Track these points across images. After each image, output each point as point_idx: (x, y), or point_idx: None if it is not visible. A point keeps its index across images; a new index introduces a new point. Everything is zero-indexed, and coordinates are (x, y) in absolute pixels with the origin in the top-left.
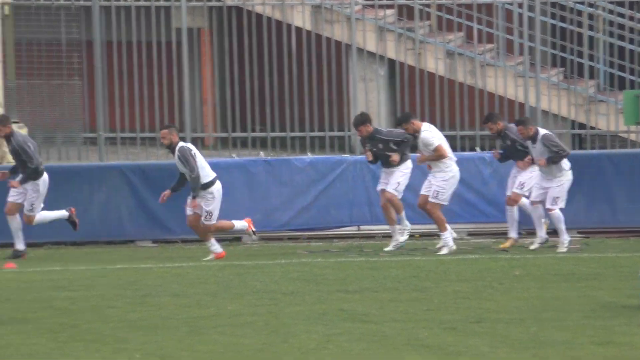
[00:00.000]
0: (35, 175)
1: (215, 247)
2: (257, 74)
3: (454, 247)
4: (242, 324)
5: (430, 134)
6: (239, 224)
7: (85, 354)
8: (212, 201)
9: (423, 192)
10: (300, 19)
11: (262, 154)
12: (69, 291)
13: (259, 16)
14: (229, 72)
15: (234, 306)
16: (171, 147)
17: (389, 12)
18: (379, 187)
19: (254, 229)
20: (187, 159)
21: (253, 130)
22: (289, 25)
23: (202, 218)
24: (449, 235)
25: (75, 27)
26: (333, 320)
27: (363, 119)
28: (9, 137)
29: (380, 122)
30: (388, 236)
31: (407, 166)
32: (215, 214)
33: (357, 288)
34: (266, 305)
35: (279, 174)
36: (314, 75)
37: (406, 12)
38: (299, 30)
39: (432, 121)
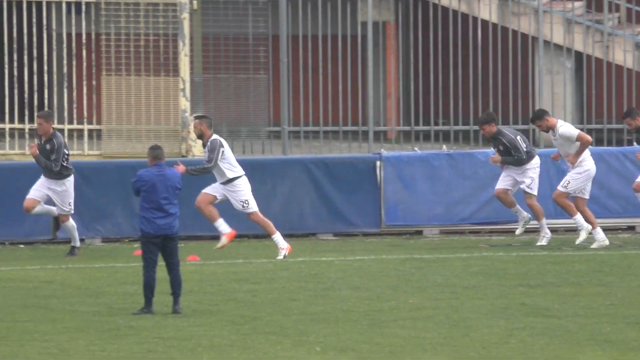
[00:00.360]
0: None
1: (223, 226)
2: (441, 67)
3: (590, 228)
4: (422, 317)
5: (568, 127)
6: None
7: (267, 347)
8: (241, 191)
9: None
10: (487, 11)
11: (444, 147)
12: (251, 284)
13: (445, 9)
14: (413, 66)
15: (415, 299)
16: (202, 138)
17: (577, 4)
18: (499, 186)
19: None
20: (213, 150)
21: (436, 124)
22: (474, 19)
23: (241, 208)
24: (580, 218)
25: (262, 22)
26: (515, 315)
27: (488, 119)
28: (48, 135)
29: (566, 115)
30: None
31: (535, 163)
32: (252, 201)
33: (539, 282)
34: (447, 299)
35: (462, 167)
36: (499, 68)
37: (595, 4)
38: (484, 23)
39: (619, 115)
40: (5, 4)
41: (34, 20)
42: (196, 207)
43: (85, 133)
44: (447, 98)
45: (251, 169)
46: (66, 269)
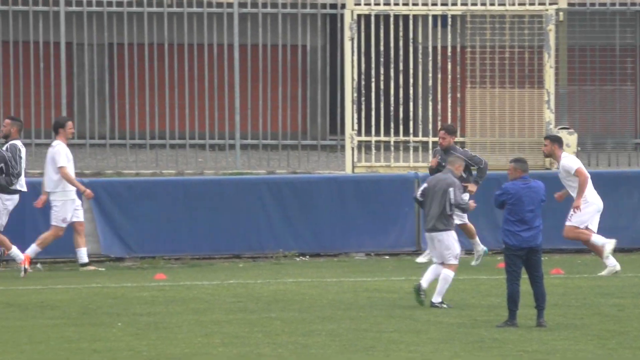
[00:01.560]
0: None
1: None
2: None
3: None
4: None
5: (571, 159)
6: (17, 252)
7: None
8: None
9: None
10: None
11: None
12: (617, 298)
13: None
14: None
15: None
16: (6, 138)
17: None
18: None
19: (26, 267)
20: (14, 157)
21: None
22: None
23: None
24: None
25: (630, 32)
26: None
27: (453, 130)
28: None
29: None
30: None
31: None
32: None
33: None
34: None
35: None
36: None
37: None
38: None
39: None
40: (372, 18)
41: (401, 33)
42: None
43: None
44: None
45: (616, 181)
46: None
